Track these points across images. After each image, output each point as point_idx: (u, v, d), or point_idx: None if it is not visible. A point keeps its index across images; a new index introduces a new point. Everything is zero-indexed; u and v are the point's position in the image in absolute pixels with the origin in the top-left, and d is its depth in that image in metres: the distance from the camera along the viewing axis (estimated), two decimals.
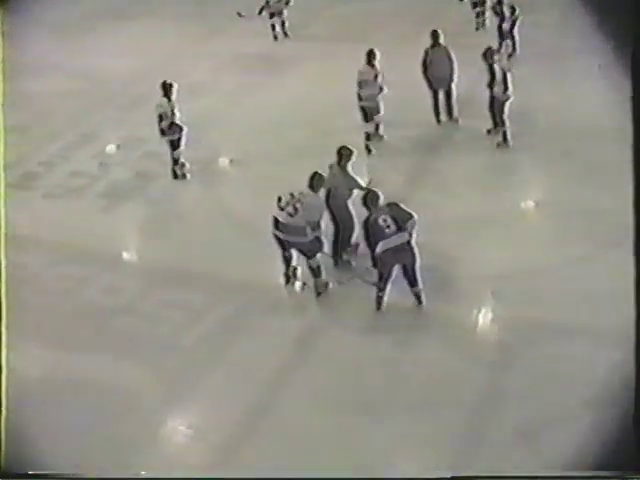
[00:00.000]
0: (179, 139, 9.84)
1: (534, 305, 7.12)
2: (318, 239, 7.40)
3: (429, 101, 10.86)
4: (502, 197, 8.94)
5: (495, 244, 8.00)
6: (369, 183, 7.84)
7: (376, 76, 10.07)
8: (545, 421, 5.85)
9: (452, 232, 8.19)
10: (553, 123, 10.45)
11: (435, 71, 10.71)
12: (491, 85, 10.05)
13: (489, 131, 10.33)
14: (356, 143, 9.94)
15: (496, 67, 10.00)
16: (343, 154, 7.82)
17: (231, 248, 8.25)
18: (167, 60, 13.87)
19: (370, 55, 10.16)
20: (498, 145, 10.12)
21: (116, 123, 11.65)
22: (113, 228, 8.94)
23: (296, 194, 7.24)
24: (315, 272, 7.47)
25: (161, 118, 9.70)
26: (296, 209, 7.19)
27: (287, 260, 7.64)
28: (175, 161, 9.93)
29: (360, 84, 10.13)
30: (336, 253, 7.82)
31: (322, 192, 7.46)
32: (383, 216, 6.96)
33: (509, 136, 10.09)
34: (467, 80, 10.88)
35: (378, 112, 10.29)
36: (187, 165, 9.98)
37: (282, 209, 7.24)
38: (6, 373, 5.62)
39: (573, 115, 10.48)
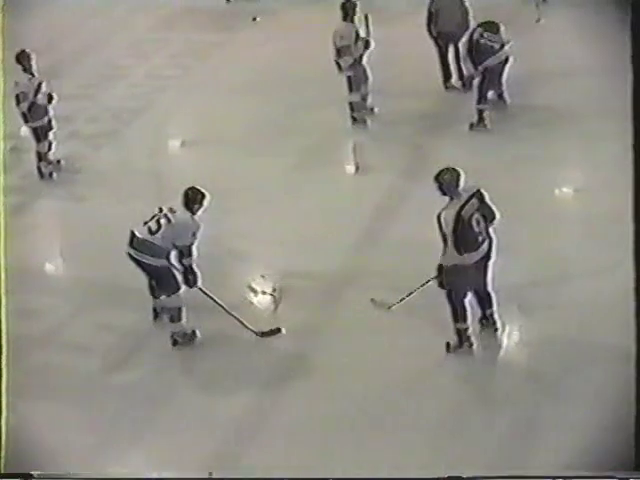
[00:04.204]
0: (47, 127, 9.60)
1: (573, 322, 7.07)
2: (186, 269, 7.14)
3: (435, 60, 10.79)
4: (530, 184, 8.84)
5: (520, 244, 7.85)
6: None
7: (357, 34, 9.86)
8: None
9: None
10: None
11: (443, 22, 10.51)
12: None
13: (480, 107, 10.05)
14: (337, 120, 9.92)
15: None
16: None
17: None
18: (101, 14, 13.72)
19: (347, 7, 9.88)
20: (471, 127, 9.96)
21: None
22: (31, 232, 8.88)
23: (165, 209, 7.13)
24: (173, 315, 7.29)
25: (18, 99, 9.36)
26: (159, 226, 7.08)
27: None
28: (40, 157, 9.72)
29: (339, 52, 9.90)
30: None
31: (199, 213, 7.13)
32: (476, 215, 6.23)
33: (486, 118, 9.88)
34: None
35: (366, 79, 10.17)
36: (61, 162, 9.85)
37: (145, 223, 7.11)
38: None
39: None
